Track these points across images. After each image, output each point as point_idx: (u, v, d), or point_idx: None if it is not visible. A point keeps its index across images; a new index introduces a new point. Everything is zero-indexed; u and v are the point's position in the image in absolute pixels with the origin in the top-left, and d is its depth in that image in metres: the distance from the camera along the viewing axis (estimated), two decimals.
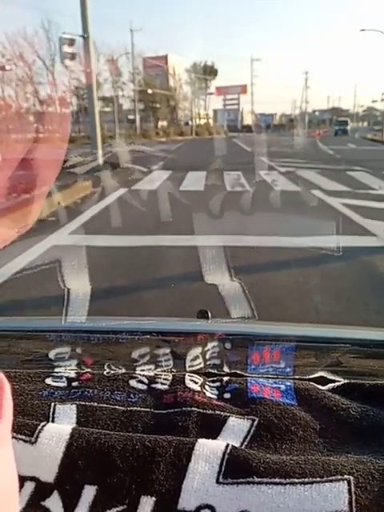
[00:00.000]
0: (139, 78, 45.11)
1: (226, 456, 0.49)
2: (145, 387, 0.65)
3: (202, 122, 52.78)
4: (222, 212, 5.71)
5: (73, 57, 11.99)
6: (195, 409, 0.59)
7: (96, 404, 0.61)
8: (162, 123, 47.80)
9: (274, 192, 8.07)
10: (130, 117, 43.41)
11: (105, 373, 0.69)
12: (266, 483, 0.47)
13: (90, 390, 0.64)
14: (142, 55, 45.54)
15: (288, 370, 0.72)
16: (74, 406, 0.60)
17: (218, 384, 0.66)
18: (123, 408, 0.60)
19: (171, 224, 5.47)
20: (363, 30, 32.96)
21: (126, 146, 26.33)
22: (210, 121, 55.86)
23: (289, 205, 6.78)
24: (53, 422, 0.58)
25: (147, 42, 71.39)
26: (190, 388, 0.63)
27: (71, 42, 11.84)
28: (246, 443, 0.54)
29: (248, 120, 59.32)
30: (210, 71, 54.60)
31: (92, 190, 8.38)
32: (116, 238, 4.90)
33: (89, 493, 0.48)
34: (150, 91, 45.04)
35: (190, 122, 47.01)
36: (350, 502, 0.44)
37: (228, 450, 0.50)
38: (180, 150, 23.83)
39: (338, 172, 11.37)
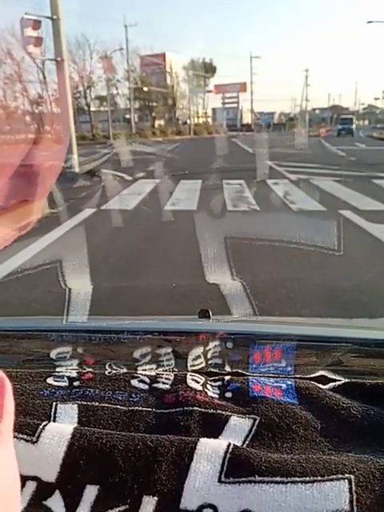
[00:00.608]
0: (135, 75, 43.50)
1: (228, 455, 0.49)
2: (146, 387, 0.64)
3: (201, 120, 51.22)
4: (225, 256, 3.62)
5: (38, 42, 9.91)
6: (197, 408, 0.58)
7: (97, 404, 0.61)
8: (160, 122, 46.41)
9: (292, 214, 6.01)
10: (127, 116, 41.83)
11: (106, 372, 0.69)
12: (268, 482, 0.47)
13: (92, 390, 0.63)
14: (138, 52, 43.99)
15: (289, 369, 0.72)
16: (76, 405, 0.60)
17: (219, 383, 0.66)
18: (125, 408, 0.60)
19: (141, 283, 3.43)
20: (370, 21, 30.94)
21: (117, 147, 24.27)
22: (209, 120, 54.42)
23: (318, 242, 4.72)
24: (54, 421, 0.57)
25: (143, 38, 69.57)
26: (191, 387, 0.63)
27: (36, 25, 9.75)
28: (247, 442, 0.55)
29: (247, 119, 57.85)
30: (208, 68, 53.08)
31: (49, 211, 6.33)
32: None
33: (90, 492, 0.48)
34: (145, 89, 43.47)
35: (188, 121, 45.27)
36: (351, 501, 0.44)
37: (230, 449, 0.50)
38: (175, 151, 21.74)
39: (361, 180, 9.32)
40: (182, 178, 9.86)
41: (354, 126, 34.94)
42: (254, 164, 12.77)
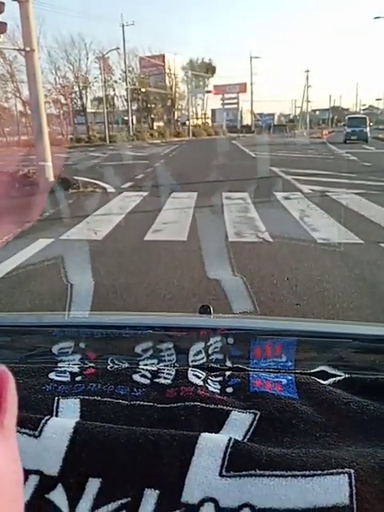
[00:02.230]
0: (133, 76, 42.30)
1: (229, 449, 0.49)
2: (148, 382, 0.64)
3: (199, 122, 49.94)
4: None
5: (2, 29, 8.27)
6: (198, 403, 0.59)
7: (99, 398, 0.61)
8: (158, 124, 45.24)
9: (318, 252, 4.38)
10: (126, 118, 40.59)
11: (108, 367, 0.69)
12: (269, 476, 0.47)
13: (94, 385, 0.64)
14: (135, 52, 42.74)
15: (289, 364, 0.72)
16: (78, 400, 0.60)
17: (220, 378, 0.66)
18: (126, 402, 0.60)
19: None
20: (378, 17, 29.28)
21: (111, 151, 22.72)
22: (209, 121, 53.21)
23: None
24: (56, 416, 0.57)
25: (141, 38, 68.10)
26: (192, 382, 0.63)
27: None
28: (248, 437, 0.55)
29: (247, 120, 56.60)
30: (207, 68, 51.84)
31: None
32: None
33: (93, 486, 0.49)
34: (143, 90, 42.26)
35: (187, 123, 43.92)
36: (351, 495, 0.45)
37: (231, 444, 0.50)
38: (170, 155, 20.12)
39: None
40: (175, 190, 8.27)
41: (367, 130, 25.82)
42: (258, 171, 11.20)
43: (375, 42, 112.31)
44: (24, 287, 3.48)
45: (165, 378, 0.65)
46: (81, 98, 39.99)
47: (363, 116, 29.26)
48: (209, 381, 0.65)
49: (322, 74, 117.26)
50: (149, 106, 44.57)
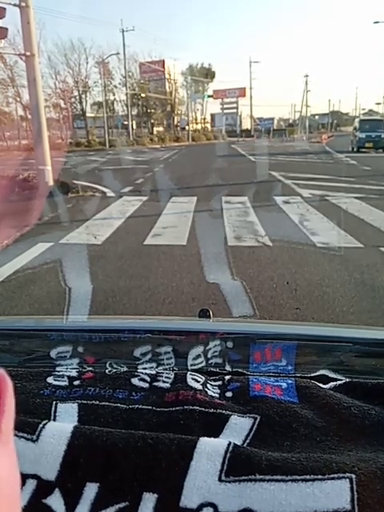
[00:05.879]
0: (133, 81, 42.42)
1: (228, 454, 0.49)
2: (147, 385, 0.64)
3: (199, 126, 50.03)
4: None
5: (1, 34, 8.22)
6: (197, 407, 0.58)
7: (98, 402, 0.60)
8: (158, 129, 45.29)
9: (318, 256, 4.37)
10: (125, 122, 40.65)
11: (107, 371, 0.68)
12: (269, 480, 0.46)
13: (92, 389, 0.63)
14: (135, 57, 42.86)
15: (289, 368, 0.71)
16: (76, 404, 0.60)
17: (219, 382, 0.66)
18: (125, 406, 0.60)
19: None
20: (377, 22, 29.36)
21: (108, 156, 22.73)
22: (208, 125, 53.32)
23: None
24: (54, 420, 0.57)
25: (141, 43, 68.36)
26: (191, 386, 0.63)
27: None
28: (248, 441, 0.54)
29: (247, 124, 56.69)
30: (207, 73, 51.99)
31: None
32: None
33: (91, 490, 0.48)
34: (143, 95, 42.37)
35: (186, 127, 44.02)
36: (352, 500, 0.44)
37: (230, 448, 0.49)
38: (170, 160, 20.13)
39: None
40: (174, 194, 8.27)
41: None
42: (258, 175, 11.23)
43: (374, 47, 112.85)
44: (23, 291, 3.47)
45: (164, 382, 0.64)
46: (80, 103, 40.09)
47: (380, 118, 25.08)
48: (208, 385, 0.65)
49: (321, 79, 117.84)
50: (148, 110, 44.67)
